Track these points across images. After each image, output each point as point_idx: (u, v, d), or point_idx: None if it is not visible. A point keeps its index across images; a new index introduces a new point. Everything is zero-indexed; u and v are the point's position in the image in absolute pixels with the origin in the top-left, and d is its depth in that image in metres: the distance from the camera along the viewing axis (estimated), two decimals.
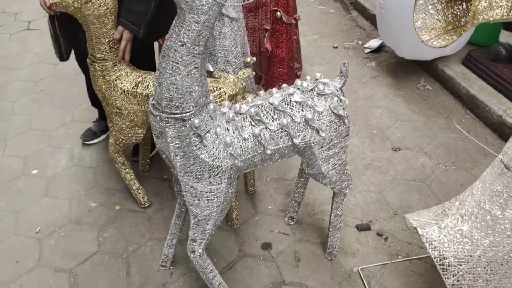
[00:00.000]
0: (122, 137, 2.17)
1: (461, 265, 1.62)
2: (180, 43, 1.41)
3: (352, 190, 2.32)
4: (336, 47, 3.73)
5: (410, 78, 3.28)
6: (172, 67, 1.44)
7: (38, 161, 2.68)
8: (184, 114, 1.51)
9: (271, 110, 1.69)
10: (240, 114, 1.68)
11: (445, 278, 1.63)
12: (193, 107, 1.51)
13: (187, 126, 1.52)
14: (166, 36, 1.45)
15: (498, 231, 1.57)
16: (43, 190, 2.50)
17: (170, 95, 1.48)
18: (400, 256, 2.11)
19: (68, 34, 2.23)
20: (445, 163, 2.61)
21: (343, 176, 1.89)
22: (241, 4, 1.40)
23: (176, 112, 1.51)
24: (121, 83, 2.04)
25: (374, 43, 3.61)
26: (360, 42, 3.74)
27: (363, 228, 2.26)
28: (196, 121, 1.52)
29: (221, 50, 2.28)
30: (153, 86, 2.02)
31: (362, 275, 2.04)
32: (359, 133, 2.85)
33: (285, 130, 1.68)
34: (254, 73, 2.51)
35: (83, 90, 2.83)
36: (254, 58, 2.52)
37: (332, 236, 2.07)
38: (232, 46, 2.31)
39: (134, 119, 2.11)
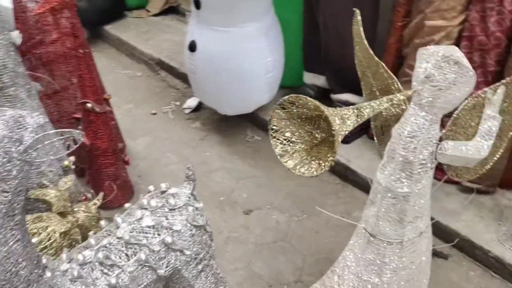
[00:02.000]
0: None
1: None
2: None
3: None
4: (155, 114, 3.55)
5: (238, 132, 3.29)
6: None
7: None
8: None
9: (122, 247, 1.43)
10: (86, 264, 1.38)
11: None
12: None
13: None
14: None
15: None
16: None
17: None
18: None
19: None
20: (296, 214, 2.66)
21: (218, 283, 1.73)
22: (55, 157, 1.13)
23: None
24: None
25: (192, 102, 3.54)
26: (177, 103, 3.63)
27: None
28: None
29: None
30: None
31: None
32: (207, 204, 2.69)
33: (146, 265, 1.44)
34: (74, 166, 2.19)
35: None
36: (72, 158, 2.21)
37: None
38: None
39: None
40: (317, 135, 1.24)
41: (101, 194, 2.23)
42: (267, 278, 2.30)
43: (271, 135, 1.30)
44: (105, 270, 1.38)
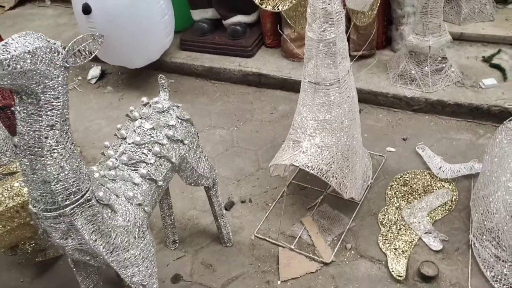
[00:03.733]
0: None
1: (331, 167, 2.08)
2: (48, 128, 1.26)
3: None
4: None
5: (151, 81, 3.51)
6: (52, 157, 1.28)
7: None
8: (87, 195, 1.37)
9: (137, 149, 1.68)
10: (116, 168, 1.61)
11: (331, 182, 2.07)
12: (88, 183, 1.39)
13: (94, 204, 1.40)
14: (20, 130, 1.26)
15: (336, 129, 2.07)
16: None
17: (63, 185, 1.32)
18: (272, 203, 2.46)
19: None
20: (234, 125, 3.03)
21: (211, 167, 2.05)
22: (86, 61, 1.35)
23: (77, 198, 1.36)
24: None
25: (95, 71, 3.63)
26: (80, 78, 3.69)
27: (229, 206, 2.48)
28: (101, 193, 1.42)
29: None
30: None
31: (261, 236, 2.30)
32: None
33: (161, 156, 1.71)
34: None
35: None
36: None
37: (224, 225, 2.22)
38: None
39: None
40: None
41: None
42: (233, 176, 2.67)
43: None
44: (133, 168, 1.63)
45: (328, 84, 2.00)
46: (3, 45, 1.16)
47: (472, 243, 2.11)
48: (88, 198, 1.38)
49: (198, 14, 3.53)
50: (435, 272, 2.01)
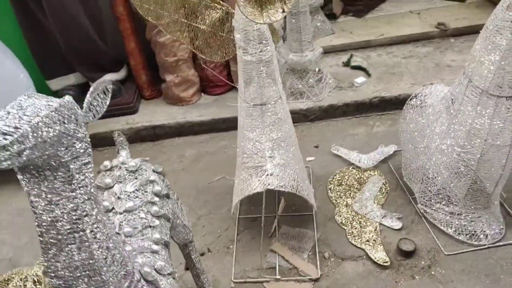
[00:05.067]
0: None
1: (298, 181, 2.08)
2: (86, 204, 1.00)
3: None
4: None
5: None
6: (96, 238, 1.01)
7: None
8: (136, 275, 1.12)
9: (132, 215, 1.43)
10: (124, 243, 1.34)
11: (303, 195, 2.08)
12: (131, 261, 1.13)
13: (144, 284, 1.14)
14: (45, 219, 0.96)
15: (289, 144, 2.09)
16: None
17: (114, 270, 1.06)
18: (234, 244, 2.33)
19: None
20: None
21: (186, 213, 1.85)
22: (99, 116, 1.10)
23: (128, 282, 1.09)
24: None
25: None
26: None
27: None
28: (147, 269, 1.17)
29: None
30: None
31: (240, 280, 2.16)
32: None
33: (159, 216, 1.48)
34: None
35: None
36: None
37: (207, 282, 2.01)
38: None
39: None
40: None
41: None
42: None
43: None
44: (141, 237, 1.38)
45: (273, 102, 2.02)
46: (19, 108, 0.89)
47: (423, 211, 2.35)
48: (138, 278, 1.12)
49: (57, 83, 3.16)
50: (414, 246, 2.18)
